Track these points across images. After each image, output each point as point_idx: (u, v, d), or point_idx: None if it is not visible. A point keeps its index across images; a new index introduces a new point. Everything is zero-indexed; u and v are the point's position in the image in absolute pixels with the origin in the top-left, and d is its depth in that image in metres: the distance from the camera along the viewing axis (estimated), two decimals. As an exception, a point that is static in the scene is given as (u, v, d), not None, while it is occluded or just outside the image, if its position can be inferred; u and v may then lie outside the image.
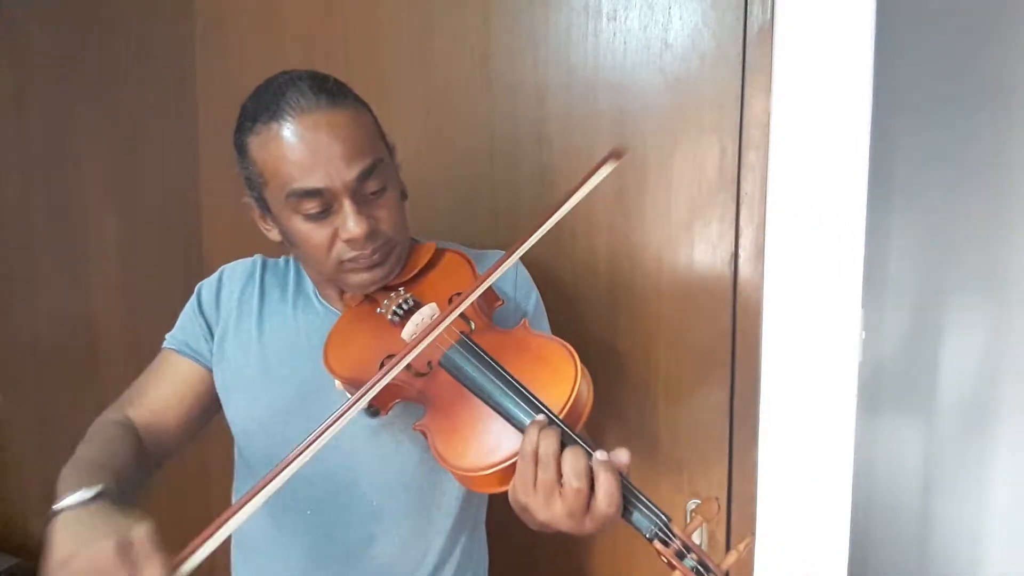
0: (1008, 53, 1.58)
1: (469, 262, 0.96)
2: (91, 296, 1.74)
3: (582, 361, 0.79)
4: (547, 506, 0.70)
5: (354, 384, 0.86)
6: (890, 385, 1.75)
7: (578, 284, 1.25)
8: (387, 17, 1.34)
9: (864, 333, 1.13)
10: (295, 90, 0.84)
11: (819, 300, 1.12)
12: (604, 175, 0.88)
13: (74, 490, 0.71)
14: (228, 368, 0.97)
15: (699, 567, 0.68)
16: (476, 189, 1.31)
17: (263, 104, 0.85)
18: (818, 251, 1.11)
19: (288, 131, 0.82)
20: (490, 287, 0.90)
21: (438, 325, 0.81)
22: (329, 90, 0.85)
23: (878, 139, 1.08)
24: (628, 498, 0.71)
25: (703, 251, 1.19)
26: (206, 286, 1.02)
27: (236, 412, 0.97)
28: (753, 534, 0.72)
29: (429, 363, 0.85)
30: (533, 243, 0.86)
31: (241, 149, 0.88)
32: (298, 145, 0.82)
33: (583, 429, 0.81)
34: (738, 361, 1.19)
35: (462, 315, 0.86)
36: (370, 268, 0.89)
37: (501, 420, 0.76)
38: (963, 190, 1.65)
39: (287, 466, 0.73)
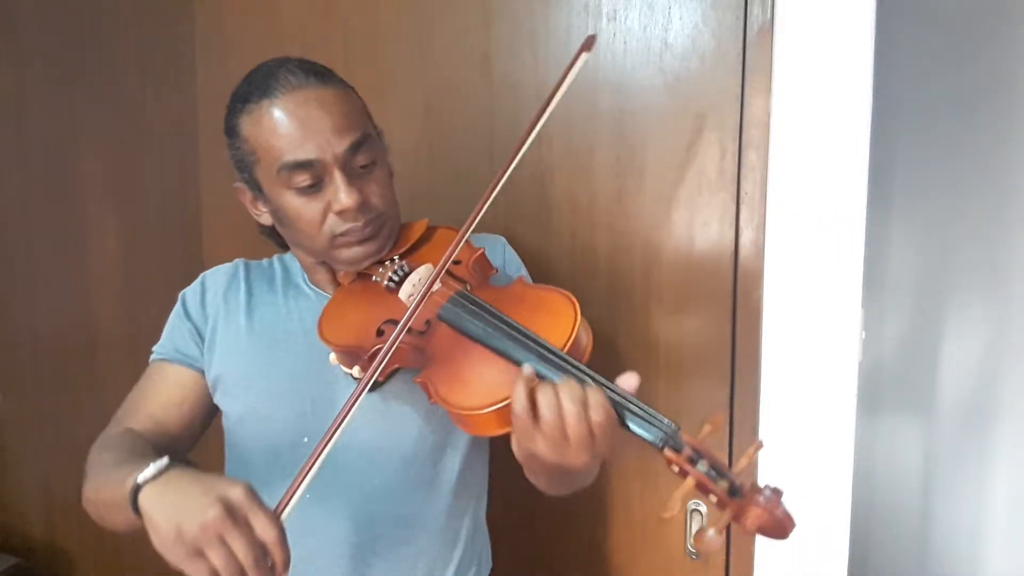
0: (1008, 53, 1.58)
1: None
2: (91, 296, 1.74)
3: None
4: (555, 446, 0.71)
5: (350, 353, 0.87)
6: (890, 385, 1.75)
7: (578, 284, 1.25)
8: (387, 17, 1.34)
9: (864, 333, 1.13)
10: (285, 70, 0.87)
11: (819, 300, 1.12)
12: (579, 68, 0.86)
13: (140, 468, 0.72)
14: (220, 363, 0.97)
15: (712, 471, 0.68)
16: (476, 189, 1.30)
17: (254, 86, 0.88)
18: (818, 251, 1.11)
19: (279, 107, 0.85)
20: (482, 255, 0.92)
21: (438, 271, 0.82)
22: (318, 71, 0.89)
23: (878, 139, 1.08)
24: (634, 411, 0.72)
25: (703, 251, 1.19)
26: (189, 292, 1.02)
27: (231, 404, 0.97)
28: (760, 440, 0.72)
29: (428, 321, 0.86)
30: (522, 154, 0.87)
31: (232, 131, 0.90)
32: (289, 119, 0.85)
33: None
34: (738, 361, 1.19)
35: (458, 277, 0.89)
36: (362, 242, 0.90)
37: (503, 361, 0.77)
38: (963, 190, 1.65)
39: (326, 444, 0.74)
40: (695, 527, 1.23)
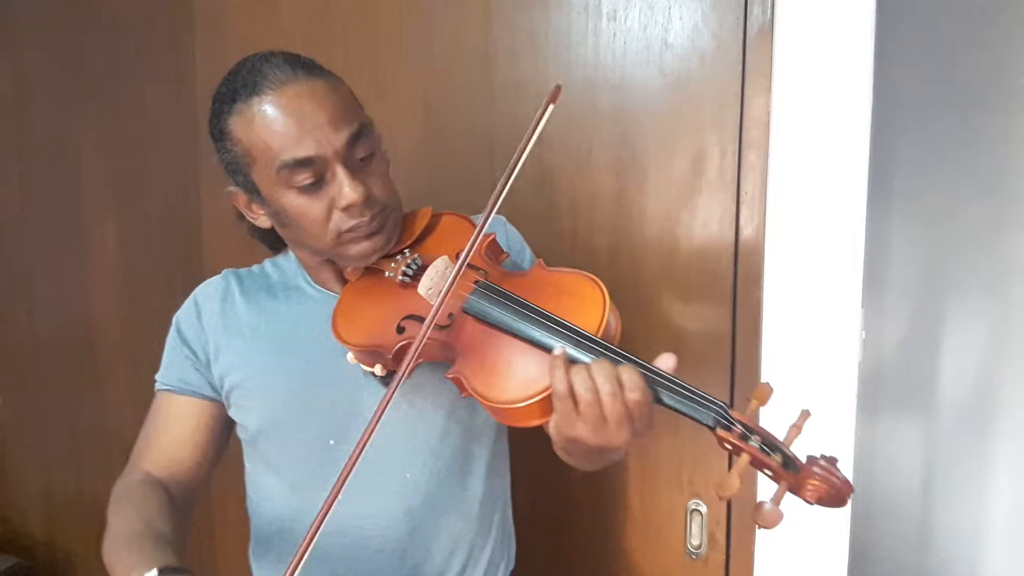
0: (1008, 53, 1.58)
1: (468, 219, 0.95)
2: (91, 296, 1.74)
3: None
4: (596, 428, 0.71)
5: (370, 352, 0.85)
6: (890, 385, 1.74)
7: (578, 284, 1.25)
8: (387, 17, 1.34)
9: (864, 333, 1.13)
10: (270, 65, 0.83)
11: (819, 300, 1.12)
12: (547, 119, 0.84)
13: (140, 567, 0.73)
14: (229, 380, 0.96)
15: (764, 446, 0.69)
16: (476, 189, 1.31)
17: (239, 84, 0.84)
18: (818, 251, 1.11)
19: (270, 104, 0.82)
20: (494, 240, 0.91)
21: (460, 266, 0.80)
22: (304, 63, 0.85)
23: (878, 139, 1.08)
24: (683, 393, 0.72)
25: (703, 251, 1.19)
26: (183, 315, 1.00)
27: (248, 416, 0.96)
28: (807, 410, 0.72)
29: (451, 315, 0.84)
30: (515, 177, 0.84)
31: (220, 135, 0.87)
32: (283, 116, 0.81)
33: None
34: (738, 361, 1.19)
35: (474, 267, 0.87)
36: (369, 236, 0.88)
37: (535, 351, 0.76)
38: (963, 190, 1.65)
39: (360, 451, 0.74)
40: (695, 527, 1.23)
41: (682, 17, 1.15)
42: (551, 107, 0.82)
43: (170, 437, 0.96)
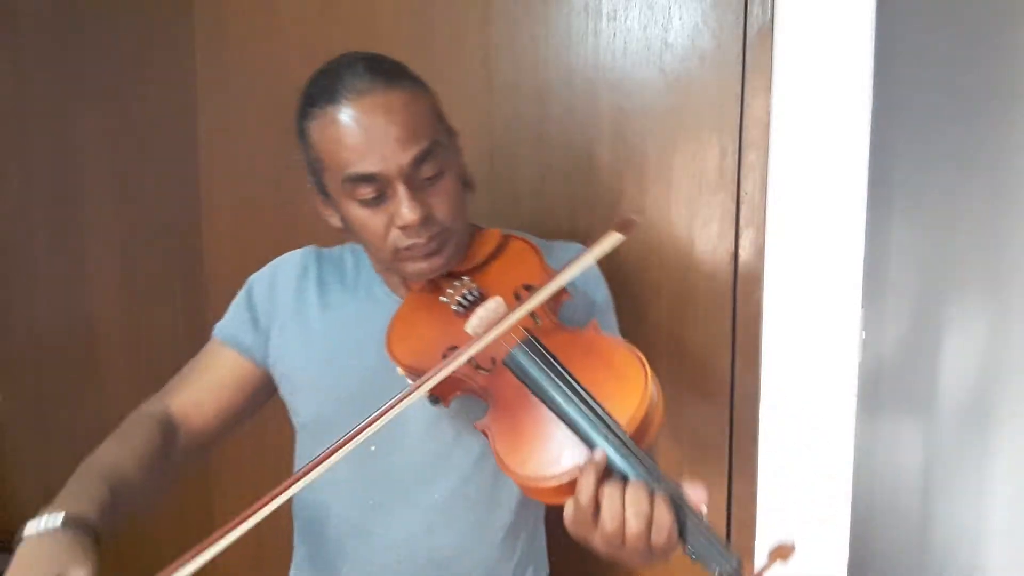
0: (1008, 53, 1.58)
1: (536, 251, 0.93)
2: (91, 296, 1.73)
3: None
4: (608, 546, 0.69)
5: (415, 373, 0.84)
6: (890, 385, 1.75)
7: (578, 284, 1.25)
8: (387, 17, 1.34)
9: (864, 333, 1.13)
10: (351, 72, 0.83)
11: (819, 300, 1.12)
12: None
13: (51, 510, 0.73)
14: (289, 362, 0.96)
15: None
16: (476, 189, 1.30)
17: (321, 88, 0.84)
18: (818, 251, 1.11)
19: (345, 114, 0.81)
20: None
21: (503, 325, 0.78)
22: (386, 71, 0.84)
23: (878, 139, 1.08)
24: (698, 536, 0.69)
25: (703, 251, 1.19)
26: (257, 281, 1.01)
27: (302, 406, 0.97)
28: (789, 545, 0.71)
29: (493, 360, 0.82)
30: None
31: (302, 134, 0.87)
32: (354, 129, 0.81)
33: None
34: (738, 361, 1.19)
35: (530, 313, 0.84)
36: (427, 257, 0.86)
37: (564, 428, 0.73)
38: (963, 190, 1.65)
39: (346, 442, 0.74)
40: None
41: (682, 17, 1.15)
42: (618, 236, 0.79)
43: (203, 381, 0.98)
